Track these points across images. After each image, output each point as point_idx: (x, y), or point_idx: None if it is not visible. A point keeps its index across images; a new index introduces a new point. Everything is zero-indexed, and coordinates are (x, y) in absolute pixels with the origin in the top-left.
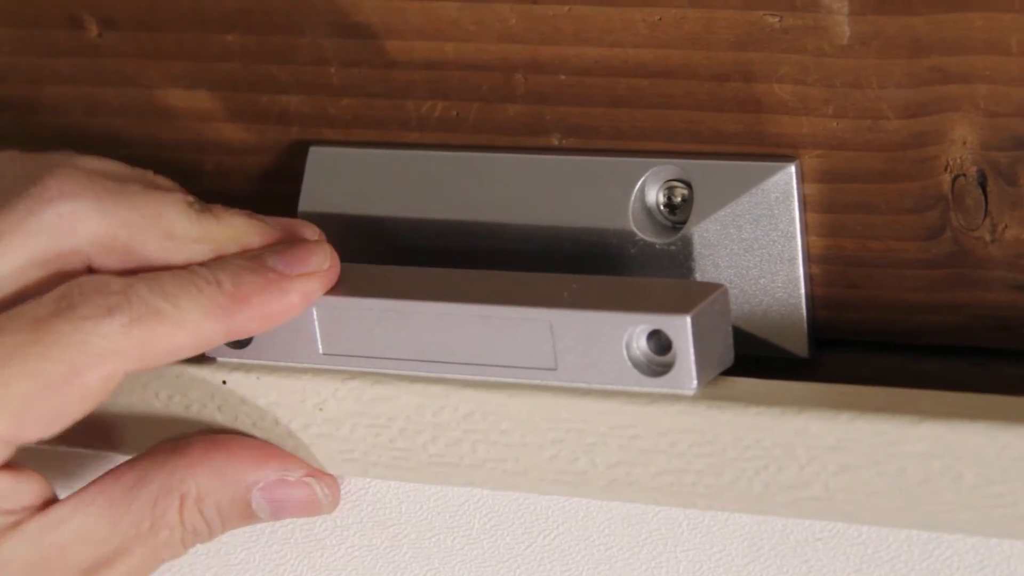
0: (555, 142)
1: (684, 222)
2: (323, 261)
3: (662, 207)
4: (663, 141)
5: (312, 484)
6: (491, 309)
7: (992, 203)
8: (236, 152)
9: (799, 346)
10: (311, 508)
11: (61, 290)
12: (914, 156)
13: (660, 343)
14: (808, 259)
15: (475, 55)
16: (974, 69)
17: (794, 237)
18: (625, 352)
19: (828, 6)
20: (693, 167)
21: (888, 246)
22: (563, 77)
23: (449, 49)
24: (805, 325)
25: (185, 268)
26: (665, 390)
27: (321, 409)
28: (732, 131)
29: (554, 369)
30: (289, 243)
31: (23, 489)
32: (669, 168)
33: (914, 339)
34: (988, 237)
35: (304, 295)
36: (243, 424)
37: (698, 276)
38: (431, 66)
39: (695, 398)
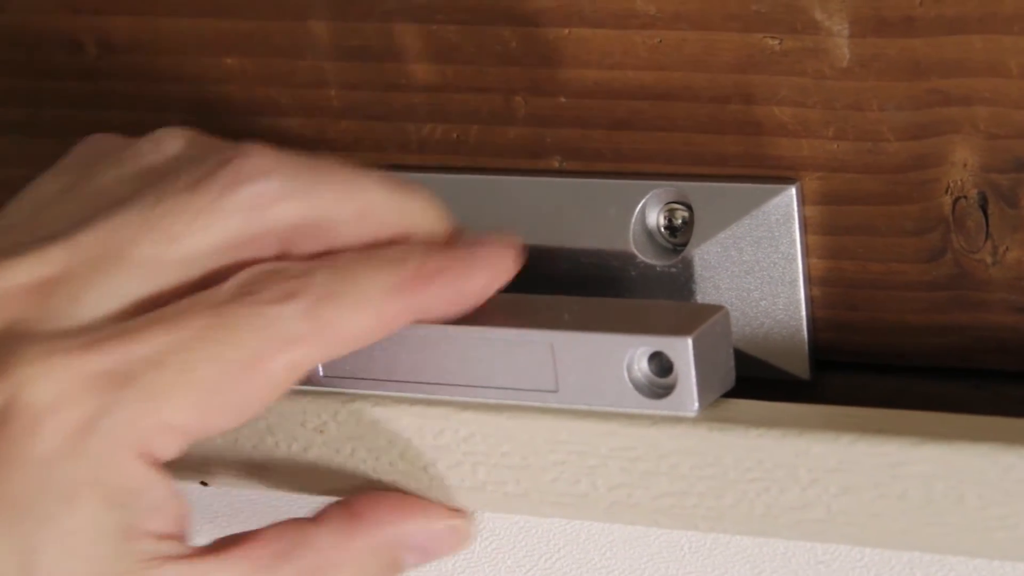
0: (555, 164)
1: (685, 244)
2: (510, 248)
3: (663, 229)
4: (664, 163)
5: (457, 527)
6: (491, 331)
7: (993, 225)
8: None
9: (800, 368)
10: (455, 548)
11: (242, 276)
12: (915, 178)
13: (661, 365)
14: (809, 281)
15: (475, 78)
16: (974, 91)
17: (795, 259)
18: (626, 374)
19: (828, 29)
20: (694, 189)
21: (889, 268)
22: (563, 99)
23: (449, 72)
24: (806, 347)
25: (368, 248)
26: (666, 412)
27: (321, 432)
28: (733, 153)
29: (555, 391)
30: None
31: (173, 509)
32: (670, 190)
33: (915, 361)
34: (989, 259)
35: (490, 277)
36: (243, 447)
37: (699, 298)
38: (431, 89)
39: (696, 420)
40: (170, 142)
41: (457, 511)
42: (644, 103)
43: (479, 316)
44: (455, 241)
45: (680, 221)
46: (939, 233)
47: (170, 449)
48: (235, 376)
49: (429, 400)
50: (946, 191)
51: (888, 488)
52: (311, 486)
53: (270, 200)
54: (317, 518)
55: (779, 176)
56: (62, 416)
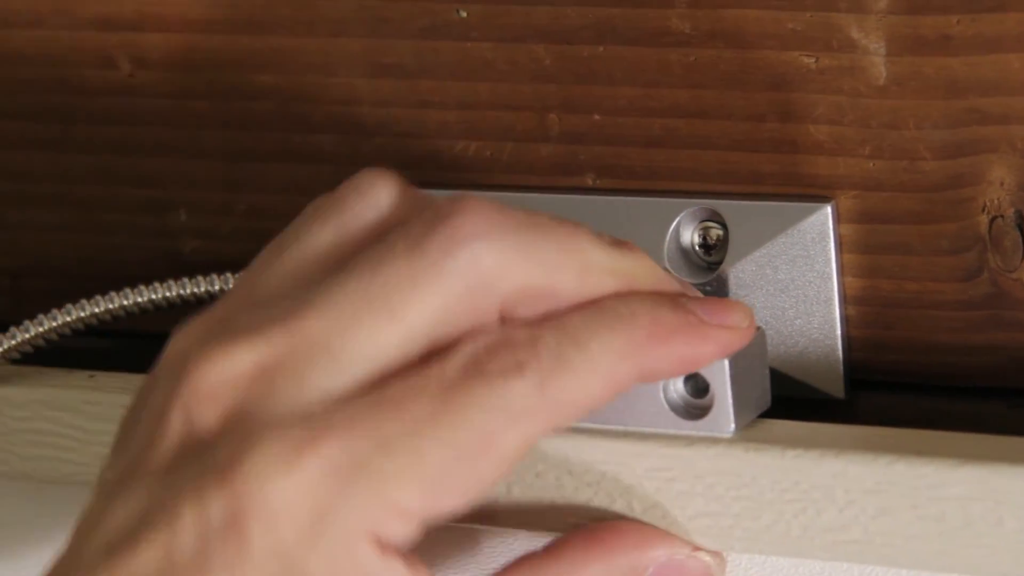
0: (589, 182)
1: (719, 262)
2: (744, 319)
3: (697, 247)
4: (698, 181)
5: (703, 558)
6: None
7: None
8: (268, 192)
9: (835, 387)
10: None
11: (467, 350)
12: (951, 197)
13: (697, 386)
14: (844, 300)
15: (509, 95)
16: (1011, 110)
17: (830, 278)
18: (662, 395)
19: (865, 47)
20: (728, 207)
21: (925, 287)
22: (597, 117)
23: (483, 89)
24: (841, 366)
25: (594, 305)
26: (703, 433)
27: None
28: (768, 171)
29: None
30: (706, 297)
31: None
32: (704, 208)
33: (950, 381)
34: None
35: (722, 348)
36: None
37: None
38: (464, 106)
39: (733, 440)
40: (378, 195)
41: (705, 549)
42: (679, 121)
43: None
44: (691, 300)
45: (715, 239)
46: (975, 252)
47: (402, 532)
48: (465, 457)
49: None
50: (983, 210)
51: (926, 509)
52: None
53: (493, 263)
54: (552, 548)
55: (815, 194)
56: (296, 511)
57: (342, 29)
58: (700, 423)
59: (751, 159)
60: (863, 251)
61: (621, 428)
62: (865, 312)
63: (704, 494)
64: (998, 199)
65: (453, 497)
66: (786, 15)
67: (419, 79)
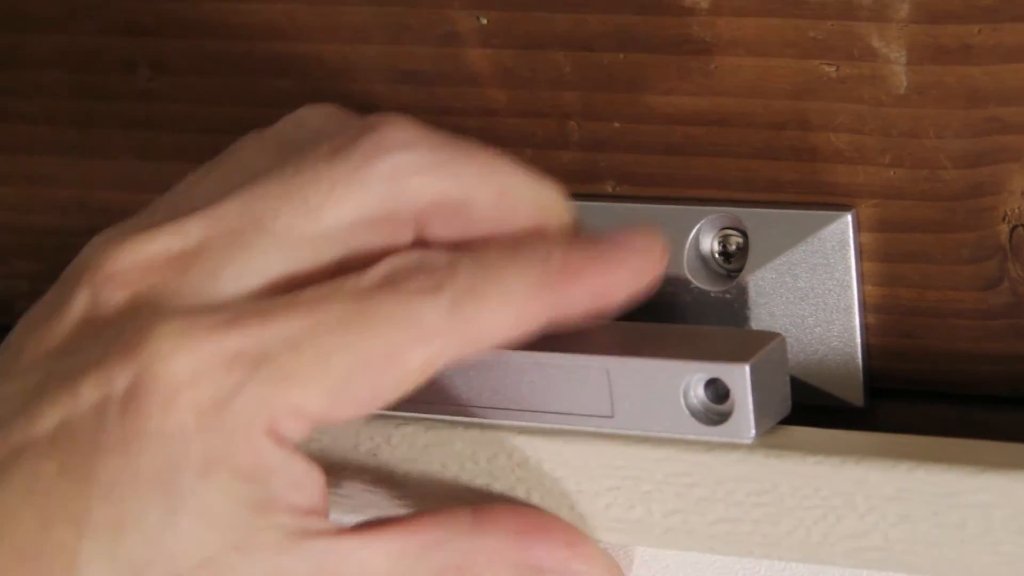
0: (609, 189)
1: (739, 270)
2: (655, 243)
3: (717, 255)
4: (718, 189)
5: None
6: (547, 356)
7: None
8: None
9: (854, 395)
10: None
11: (385, 264)
12: (971, 206)
13: (718, 392)
14: (864, 308)
15: (529, 102)
16: None
17: (850, 286)
18: (682, 400)
19: (886, 56)
20: (748, 215)
21: (945, 296)
22: (617, 124)
23: (503, 96)
24: (860, 374)
25: (512, 240)
26: (723, 439)
27: (375, 455)
28: (788, 179)
29: (611, 416)
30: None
31: (311, 486)
32: (724, 216)
33: (970, 389)
34: None
35: (634, 274)
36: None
37: (753, 325)
38: (484, 112)
39: (753, 447)
40: (311, 117)
41: (610, 563)
42: (699, 128)
43: (535, 341)
44: (594, 236)
45: (734, 247)
46: (996, 261)
47: (296, 432)
48: (370, 367)
49: (483, 424)
50: (1003, 219)
51: (946, 517)
52: (362, 509)
53: (412, 172)
54: (479, 516)
55: (835, 203)
56: (196, 392)
57: (363, 36)
58: (720, 429)
59: (771, 167)
60: (883, 259)
61: (641, 433)
62: (885, 320)
63: (724, 500)
64: (1019, 208)
65: (349, 405)
66: (807, 23)
67: (438, 86)
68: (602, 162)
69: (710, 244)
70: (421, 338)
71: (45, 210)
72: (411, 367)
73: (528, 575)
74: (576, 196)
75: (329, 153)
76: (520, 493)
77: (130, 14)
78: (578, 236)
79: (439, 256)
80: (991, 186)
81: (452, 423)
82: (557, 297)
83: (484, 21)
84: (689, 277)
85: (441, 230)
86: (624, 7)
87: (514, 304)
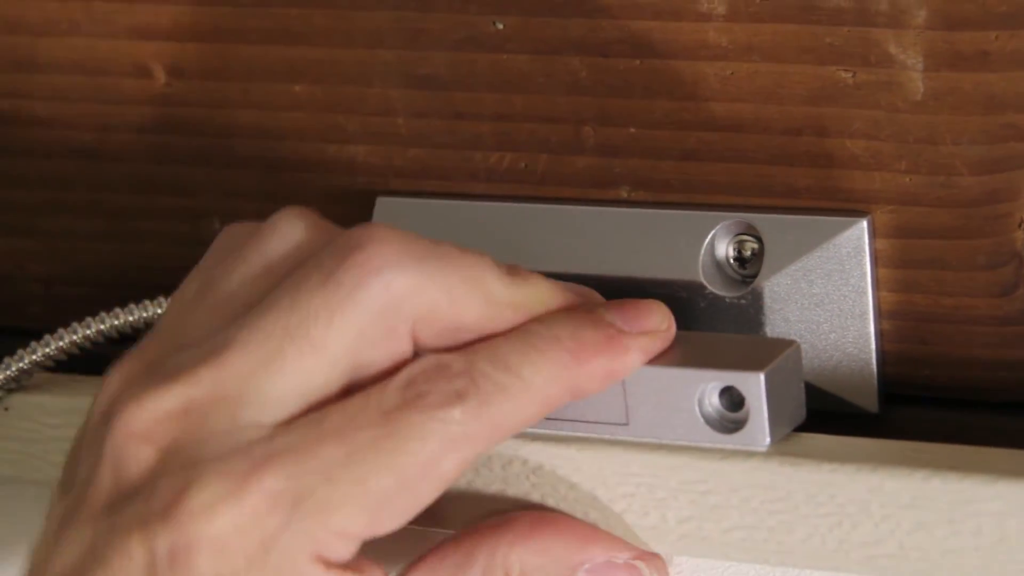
0: (624, 195)
1: (754, 276)
2: (662, 321)
3: (732, 261)
4: (733, 195)
5: (641, 568)
6: None
7: None
8: (303, 202)
9: (869, 402)
10: None
11: (404, 377)
12: (987, 213)
13: (732, 400)
14: (879, 315)
15: (544, 107)
16: None
17: (865, 292)
18: (697, 408)
19: (902, 62)
20: (764, 221)
21: (960, 302)
22: (633, 130)
23: (518, 101)
24: (875, 381)
25: (520, 330)
26: (738, 447)
27: None
28: (803, 185)
29: (625, 424)
30: (622, 301)
31: None
32: (739, 222)
33: (985, 396)
34: None
35: (643, 354)
36: None
37: (768, 331)
38: (500, 117)
39: (768, 454)
40: (291, 231)
41: (650, 554)
42: (714, 134)
43: None
44: (609, 311)
45: (750, 253)
46: (1012, 268)
47: (344, 553)
48: (407, 483)
49: None
50: (1019, 225)
51: (961, 525)
52: None
53: (403, 290)
54: (501, 522)
55: (850, 209)
56: (242, 541)
57: (378, 40)
58: (735, 437)
59: (787, 173)
60: (899, 266)
61: (656, 441)
62: (900, 327)
63: (739, 507)
64: None
65: (393, 519)
66: (824, 30)
67: (454, 91)
68: (617, 167)
69: (725, 250)
70: (452, 445)
71: (60, 214)
72: (446, 473)
73: (557, 565)
74: (591, 202)
75: (320, 282)
76: (535, 500)
77: (146, 18)
78: (584, 313)
79: (455, 359)
80: (1007, 192)
81: None
82: (574, 380)
83: (500, 26)
84: (704, 283)
85: (435, 332)
86: (640, 13)
87: (535, 394)
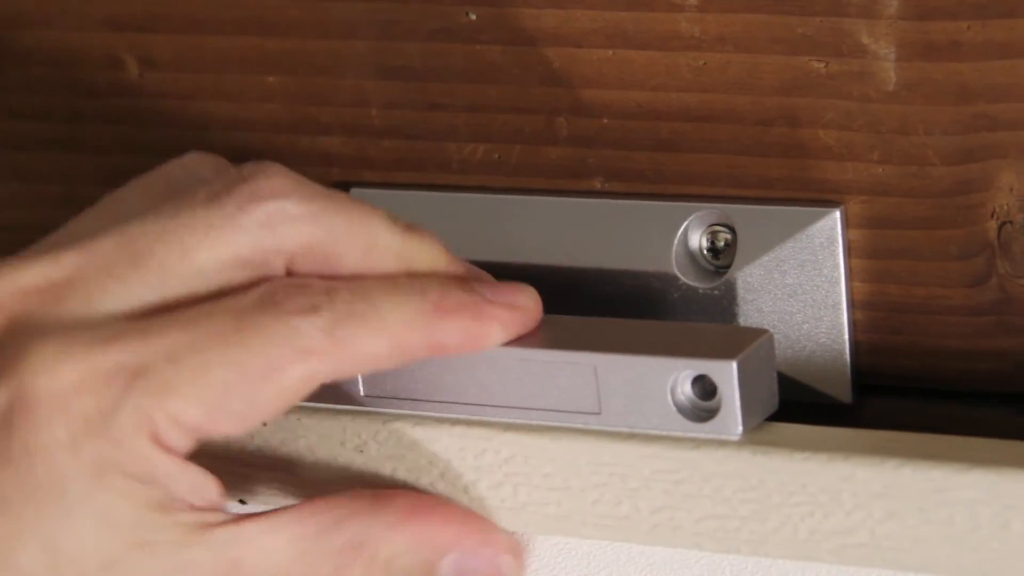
0: (597, 185)
1: (727, 267)
2: (529, 301)
3: (705, 251)
4: (706, 185)
5: (502, 566)
6: (535, 353)
7: None
8: None
9: (842, 392)
10: None
11: (265, 286)
12: (960, 203)
13: (705, 388)
14: (852, 305)
15: (517, 98)
16: (1021, 116)
17: (838, 283)
18: (670, 397)
19: (875, 52)
20: (737, 212)
21: (933, 292)
22: (606, 120)
23: (491, 92)
24: (848, 371)
25: (391, 276)
26: (710, 435)
27: (361, 451)
28: (776, 176)
29: (598, 413)
30: (497, 281)
31: (211, 485)
32: (712, 212)
33: (958, 386)
34: None
35: (504, 327)
36: (283, 466)
37: (741, 321)
38: (473, 108)
39: (740, 443)
40: (195, 163)
41: (517, 547)
42: (687, 125)
43: (522, 338)
44: (472, 284)
45: (723, 243)
46: (984, 258)
47: (180, 442)
48: (248, 382)
49: (471, 421)
50: (992, 216)
51: (933, 514)
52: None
53: (283, 220)
54: (377, 496)
55: (823, 199)
56: (79, 403)
57: (351, 31)
58: (707, 425)
59: (760, 163)
60: (871, 256)
61: (628, 430)
62: (873, 317)
63: (711, 497)
64: (1007, 205)
65: (228, 419)
66: (796, 20)
67: (428, 81)
68: (591, 158)
69: (698, 240)
70: (298, 355)
71: (33, 206)
72: (288, 383)
73: (424, 552)
74: (564, 193)
75: (206, 199)
76: (507, 489)
77: (118, 9)
78: (456, 279)
79: (319, 281)
80: (980, 183)
81: (439, 420)
82: (430, 332)
83: (473, 17)
84: (677, 273)
85: (310, 271)
86: (613, 3)
87: (390, 332)
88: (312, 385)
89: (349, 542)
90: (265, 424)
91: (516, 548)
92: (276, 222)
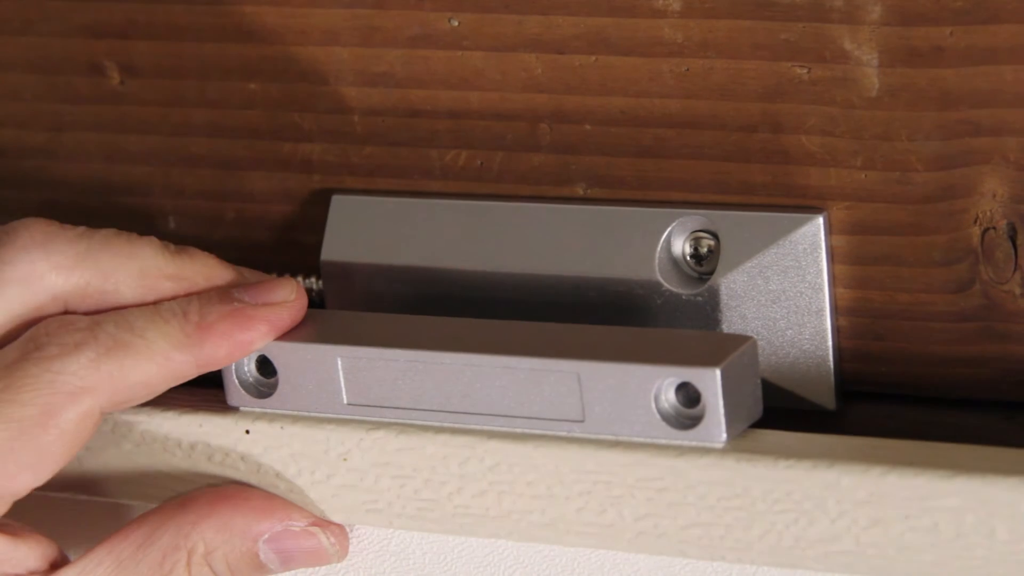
0: (580, 192)
1: (711, 273)
2: (289, 293)
3: (688, 258)
4: (689, 192)
5: (318, 534)
6: (518, 360)
7: (1022, 256)
8: (258, 200)
9: (826, 398)
10: (318, 558)
11: (29, 333)
12: (943, 209)
13: (689, 395)
14: (835, 311)
15: (500, 104)
16: (1004, 122)
17: (821, 289)
18: (654, 404)
19: (858, 58)
20: (720, 218)
21: (916, 299)
22: (588, 127)
23: (474, 98)
24: (832, 377)
25: (151, 304)
26: (694, 443)
27: (345, 459)
28: (759, 182)
29: (581, 421)
30: (256, 282)
31: (24, 553)
32: (696, 219)
33: (942, 392)
34: (1018, 290)
35: (270, 325)
36: (266, 474)
37: (724, 327)
38: (455, 115)
39: (724, 451)
40: None
41: (328, 522)
42: (670, 131)
43: (505, 345)
44: (239, 288)
45: (706, 250)
46: (967, 264)
47: None
48: (29, 434)
49: (455, 429)
50: (975, 222)
51: (918, 521)
52: (333, 514)
53: (48, 269)
54: (183, 499)
55: (806, 205)
56: None
57: (333, 38)
58: (691, 433)
59: (743, 169)
60: (855, 262)
61: (612, 437)
62: (856, 323)
63: (695, 504)
64: (990, 211)
65: (23, 474)
66: (778, 25)
67: (410, 88)
68: (573, 165)
69: (682, 247)
70: (69, 398)
71: (15, 214)
72: (67, 427)
73: (236, 541)
74: (547, 199)
75: None
76: (491, 497)
77: (100, 16)
78: (216, 291)
79: (81, 318)
80: (963, 189)
81: (423, 427)
82: (198, 351)
83: (455, 23)
84: (661, 280)
85: (88, 309)
86: (595, 9)
87: (157, 357)
88: (93, 420)
89: (166, 549)
90: (249, 433)
91: (329, 524)
92: (41, 272)
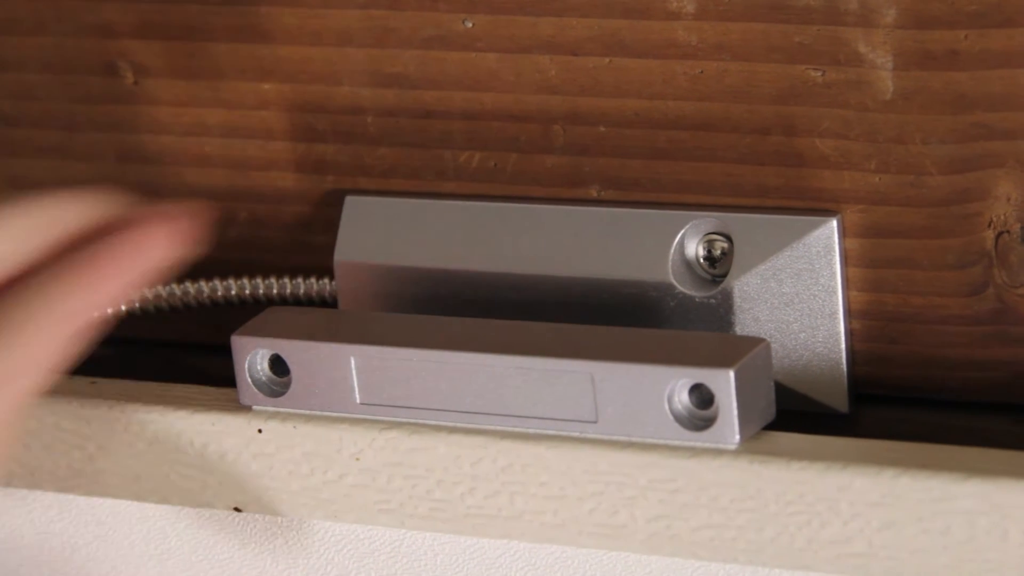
0: (594, 194)
1: (724, 275)
2: (173, 221)
3: (702, 260)
4: (703, 194)
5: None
6: (531, 360)
7: None
8: (271, 201)
9: (839, 401)
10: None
11: None
12: (957, 212)
13: (702, 397)
14: (849, 314)
15: (514, 106)
16: (1019, 125)
17: (835, 292)
18: (667, 405)
19: (872, 61)
20: (733, 220)
21: (930, 302)
22: (602, 129)
23: (487, 99)
24: (845, 380)
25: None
26: (707, 444)
27: (358, 459)
28: (773, 185)
29: (594, 422)
30: None
31: None
32: (709, 221)
33: (955, 396)
34: None
35: (157, 259)
36: (279, 473)
37: (738, 330)
38: (469, 116)
39: (737, 452)
40: None
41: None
42: (684, 133)
43: (518, 345)
44: (114, 229)
45: (719, 252)
46: (981, 267)
47: None
48: None
49: (467, 429)
50: (989, 225)
51: (931, 523)
52: (345, 514)
53: None
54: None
55: (820, 208)
56: None
57: (347, 39)
58: (705, 435)
59: (757, 172)
60: (868, 265)
61: (625, 439)
62: (870, 326)
63: (708, 506)
64: (1004, 214)
65: None
66: (793, 28)
67: (424, 89)
68: (587, 166)
69: (695, 249)
70: None
71: None
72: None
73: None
74: (560, 201)
75: None
76: (504, 498)
77: (113, 16)
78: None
79: None
80: (977, 192)
81: (436, 427)
82: (90, 294)
83: (470, 24)
84: (674, 282)
85: None
86: (610, 11)
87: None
88: (17, 409)
89: None
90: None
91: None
92: None
